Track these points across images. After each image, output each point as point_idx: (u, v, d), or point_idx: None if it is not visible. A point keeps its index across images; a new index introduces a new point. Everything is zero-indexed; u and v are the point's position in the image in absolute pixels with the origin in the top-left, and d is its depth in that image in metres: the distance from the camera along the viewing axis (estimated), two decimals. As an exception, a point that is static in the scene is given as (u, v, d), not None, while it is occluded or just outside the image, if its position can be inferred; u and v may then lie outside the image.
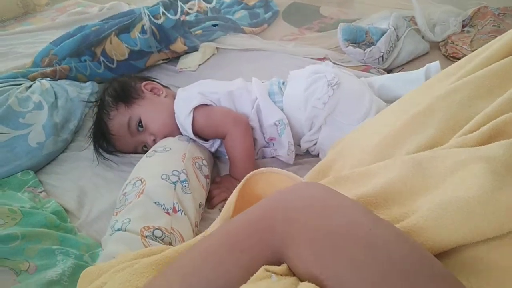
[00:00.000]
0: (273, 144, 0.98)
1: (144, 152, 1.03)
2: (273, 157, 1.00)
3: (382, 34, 1.40)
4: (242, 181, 0.62)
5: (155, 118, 1.00)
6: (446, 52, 1.48)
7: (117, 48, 1.35)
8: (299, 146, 0.98)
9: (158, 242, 0.68)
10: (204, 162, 0.90)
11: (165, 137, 0.99)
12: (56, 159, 1.06)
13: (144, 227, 0.69)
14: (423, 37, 1.54)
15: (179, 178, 0.80)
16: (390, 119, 0.76)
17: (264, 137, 0.97)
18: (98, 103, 1.06)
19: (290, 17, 1.97)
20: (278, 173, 0.64)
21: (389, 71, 1.40)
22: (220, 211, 0.86)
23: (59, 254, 0.75)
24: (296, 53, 1.43)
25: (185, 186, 0.79)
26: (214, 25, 1.49)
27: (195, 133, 0.94)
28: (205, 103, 0.96)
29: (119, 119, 1.00)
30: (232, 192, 0.90)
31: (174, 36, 1.42)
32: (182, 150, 0.88)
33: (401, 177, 0.55)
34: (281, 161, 0.99)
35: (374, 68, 1.32)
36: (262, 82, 1.05)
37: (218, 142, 0.99)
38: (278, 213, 0.45)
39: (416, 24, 1.60)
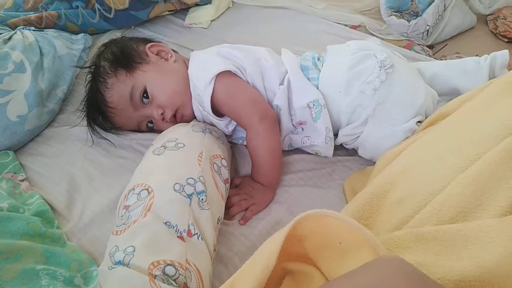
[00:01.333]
0: (302, 129, 0.81)
1: (149, 129, 0.87)
2: (302, 150, 0.85)
3: (430, 3, 1.19)
4: (289, 225, 0.47)
5: (164, 86, 0.82)
6: (496, 30, 1.29)
7: (116, -5, 1.12)
8: (335, 136, 0.82)
9: (171, 284, 0.53)
10: (224, 162, 0.74)
11: (175, 110, 0.82)
12: (41, 135, 0.89)
13: (153, 263, 0.54)
14: (469, 8, 1.34)
15: (195, 189, 0.64)
16: (463, 143, 0.60)
17: (292, 120, 0.81)
18: (91, 70, 0.87)
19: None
20: (332, 217, 0.48)
21: (430, 47, 1.22)
22: (239, 222, 0.72)
23: (44, 277, 0.60)
24: (326, 17, 1.22)
25: (202, 199, 0.64)
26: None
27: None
28: (230, 69, 0.78)
29: (119, 89, 0.82)
30: (253, 200, 0.76)
31: (185, -16, 1.20)
32: (198, 147, 0.72)
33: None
34: (312, 155, 0.84)
35: (418, 44, 1.13)
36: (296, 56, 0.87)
37: (235, 122, 0.82)
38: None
39: (462, -10, 1.39)
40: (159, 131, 0.84)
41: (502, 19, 1.29)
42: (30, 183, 0.78)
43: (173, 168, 0.67)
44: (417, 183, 0.59)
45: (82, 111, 0.87)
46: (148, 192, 0.63)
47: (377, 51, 0.80)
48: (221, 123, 0.82)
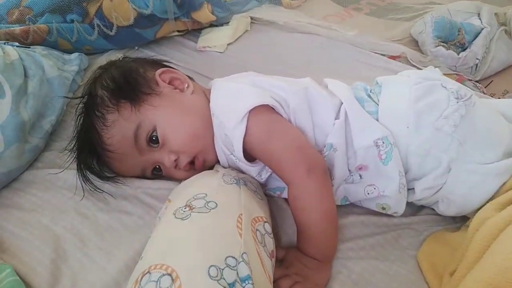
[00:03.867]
0: (360, 176, 0.63)
1: (155, 176, 0.68)
2: (357, 206, 0.67)
3: (476, 34, 1.06)
4: None
5: (180, 127, 0.65)
6: (543, 66, 1.15)
7: (120, 9, 0.95)
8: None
9: None
10: (267, 227, 0.55)
11: (193, 156, 0.64)
12: (19, 180, 0.69)
13: None
14: (513, 41, 1.21)
15: (237, 274, 0.45)
16: None
17: (348, 165, 0.63)
18: (84, 100, 0.68)
19: (330, -9, 1.60)
20: None
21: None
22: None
23: None
24: (360, 45, 1.07)
25: (248, 289, 0.45)
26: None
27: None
28: (268, 103, 0.61)
29: (122, 127, 0.63)
30: (309, 284, 0.55)
31: (200, 1, 1.03)
32: (235, 208, 0.53)
33: None
34: (371, 215, 0.66)
35: (469, 80, 0.98)
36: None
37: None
38: None
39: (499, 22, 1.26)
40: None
41: (550, 55, 1.16)
42: (1, 247, 0.58)
43: (205, 242, 0.47)
44: None
45: (71, 151, 0.68)
46: (172, 280, 0.43)
47: (444, 81, 0.65)
48: (253, 170, 0.64)
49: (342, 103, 0.64)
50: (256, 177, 0.65)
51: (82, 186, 0.65)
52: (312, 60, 1.03)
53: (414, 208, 0.68)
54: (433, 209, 0.67)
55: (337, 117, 0.63)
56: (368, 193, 0.63)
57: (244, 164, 0.63)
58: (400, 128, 0.62)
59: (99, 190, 0.65)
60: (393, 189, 0.61)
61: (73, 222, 0.62)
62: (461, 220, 0.66)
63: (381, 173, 0.61)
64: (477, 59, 1.02)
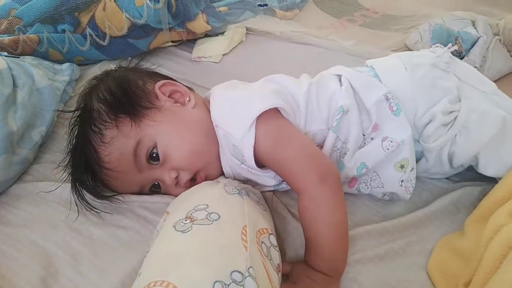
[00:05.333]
0: (371, 139, 0.64)
1: (153, 193, 0.65)
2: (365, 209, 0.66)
3: (473, 43, 1.06)
4: None
5: (182, 144, 0.61)
6: (540, 75, 1.15)
7: (113, 18, 0.93)
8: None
9: None
10: (272, 239, 0.52)
11: (194, 173, 0.62)
12: (6, 193, 0.65)
13: None
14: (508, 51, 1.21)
15: (244, 289, 0.42)
16: None
17: (363, 129, 0.64)
18: (79, 114, 0.64)
19: (323, 3, 1.60)
20: None
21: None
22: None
23: None
24: (358, 55, 1.05)
25: (256, 306, 0.42)
26: (262, 5, 1.09)
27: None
28: (274, 106, 0.59)
29: (121, 144, 0.60)
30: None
31: (195, 11, 1.02)
32: (238, 218, 0.50)
33: None
34: (376, 222, 0.64)
35: (468, 88, 0.97)
36: None
37: None
38: None
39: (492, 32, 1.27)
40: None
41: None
42: (-14, 266, 0.54)
43: (209, 256, 0.44)
44: None
45: (65, 167, 0.64)
46: (174, 297, 0.40)
47: None
48: (268, 175, 0.62)
49: (340, 76, 0.67)
50: (268, 183, 0.64)
51: (76, 203, 0.61)
52: (308, 70, 1.00)
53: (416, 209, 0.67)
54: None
55: (341, 84, 0.66)
56: (388, 148, 0.62)
57: (258, 172, 0.61)
58: (399, 72, 0.67)
59: (96, 210, 0.61)
60: (409, 135, 0.62)
61: (65, 238, 0.58)
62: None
63: (394, 126, 0.63)
64: (475, 67, 1.01)
